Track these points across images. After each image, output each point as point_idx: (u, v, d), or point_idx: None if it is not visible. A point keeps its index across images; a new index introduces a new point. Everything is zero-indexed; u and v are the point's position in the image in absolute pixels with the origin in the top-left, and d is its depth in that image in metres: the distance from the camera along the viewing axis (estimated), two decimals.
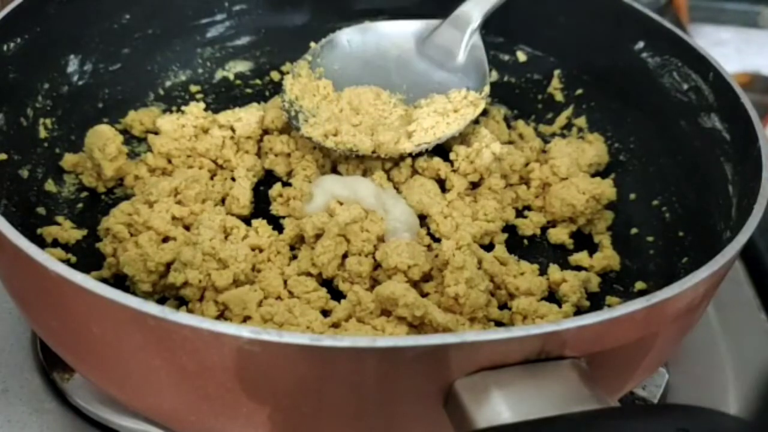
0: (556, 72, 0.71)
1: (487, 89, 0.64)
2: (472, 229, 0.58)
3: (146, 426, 0.50)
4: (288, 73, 0.66)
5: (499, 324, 0.54)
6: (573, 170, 0.62)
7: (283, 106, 0.63)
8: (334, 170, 0.63)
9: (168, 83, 0.70)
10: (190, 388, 0.40)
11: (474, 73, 0.65)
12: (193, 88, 0.71)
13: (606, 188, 0.60)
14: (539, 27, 0.71)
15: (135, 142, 0.65)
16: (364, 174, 0.62)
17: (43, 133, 0.60)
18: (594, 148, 0.65)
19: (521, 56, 0.73)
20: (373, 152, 0.60)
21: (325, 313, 0.53)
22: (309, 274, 0.55)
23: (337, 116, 0.63)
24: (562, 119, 0.70)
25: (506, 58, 0.73)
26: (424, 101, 0.65)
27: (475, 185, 0.62)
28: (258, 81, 0.73)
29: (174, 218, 0.56)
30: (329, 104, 0.65)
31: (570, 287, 0.55)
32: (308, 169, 0.62)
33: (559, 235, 0.61)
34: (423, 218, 0.60)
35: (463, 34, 0.65)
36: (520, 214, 0.62)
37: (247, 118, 0.64)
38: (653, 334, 0.42)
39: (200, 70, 0.72)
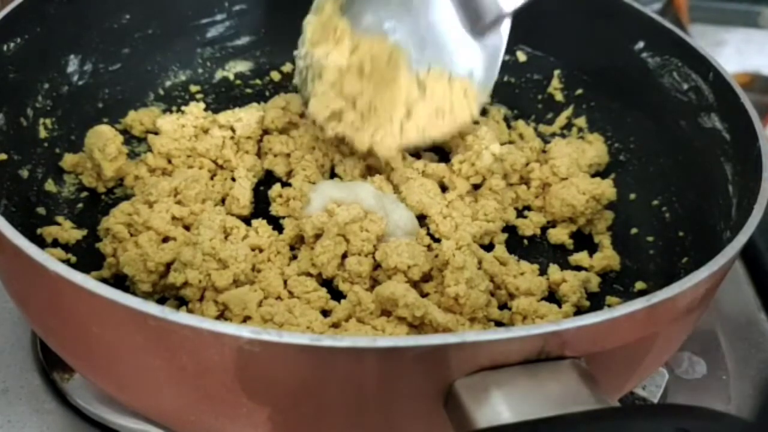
0: (556, 72, 0.71)
1: (490, 88, 0.63)
2: (472, 229, 0.58)
3: (146, 426, 0.49)
4: (288, 73, 0.66)
5: (499, 324, 0.54)
6: (573, 170, 0.62)
7: (297, 59, 0.62)
8: (333, 172, 0.63)
9: (168, 83, 0.70)
10: (190, 388, 0.40)
11: (487, 60, 0.62)
12: (193, 88, 0.71)
13: (606, 188, 0.60)
14: (539, 27, 0.70)
15: (135, 142, 0.65)
16: (364, 176, 0.62)
17: (43, 133, 0.60)
18: (594, 148, 0.65)
19: (521, 56, 0.73)
20: (368, 150, 0.60)
21: (325, 313, 0.53)
22: (309, 274, 0.55)
23: (340, 86, 0.60)
24: (562, 119, 0.70)
25: (506, 58, 0.72)
26: (431, 73, 0.61)
27: (476, 186, 0.62)
28: (258, 81, 0.73)
29: (174, 218, 0.56)
30: (339, 56, 0.63)
31: (570, 287, 0.55)
32: (308, 169, 0.62)
33: (559, 235, 0.61)
34: (423, 218, 0.60)
35: (501, 8, 0.61)
36: (520, 214, 0.62)
37: (247, 118, 0.64)
38: (653, 334, 0.42)
39: (200, 70, 0.72)
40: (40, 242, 0.55)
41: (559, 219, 0.61)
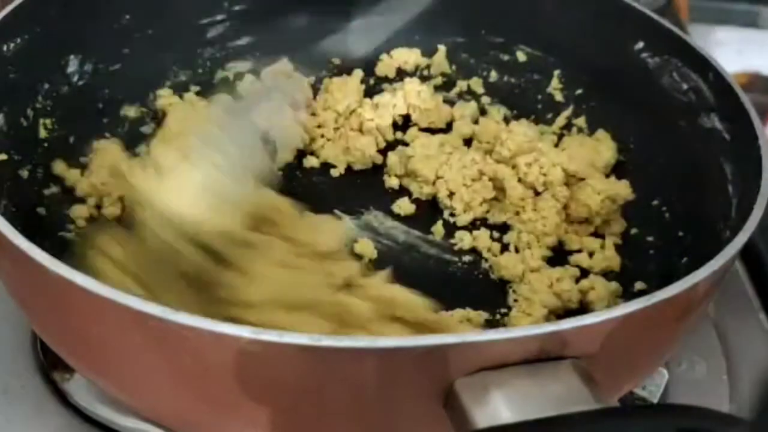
0: (556, 72, 0.71)
1: None
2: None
3: (146, 426, 0.49)
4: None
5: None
6: (589, 171, 0.62)
7: None
8: None
9: (168, 83, 0.70)
10: (190, 389, 0.40)
11: None
12: (193, 89, 0.70)
13: (621, 188, 0.60)
14: (539, 27, 0.71)
15: (136, 142, 0.65)
16: None
17: (43, 134, 0.60)
18: (606, 148, 0.65)
19: (521, 56, 0.72)
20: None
21: None
22: None
23: None
24: (561, 119, 0.70)
25: (506, 58, 0.73)
26: None
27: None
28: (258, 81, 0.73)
29: None
30: None
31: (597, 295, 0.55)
32: None
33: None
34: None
35: None
36: None
37: None
38: (653, 334, 0.43)
39: (200, 70, 0.72)
40: (40, 243, 0.55)
41: (576, 220, 0.61)
